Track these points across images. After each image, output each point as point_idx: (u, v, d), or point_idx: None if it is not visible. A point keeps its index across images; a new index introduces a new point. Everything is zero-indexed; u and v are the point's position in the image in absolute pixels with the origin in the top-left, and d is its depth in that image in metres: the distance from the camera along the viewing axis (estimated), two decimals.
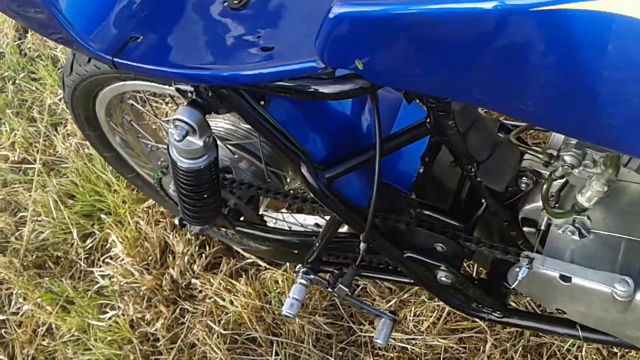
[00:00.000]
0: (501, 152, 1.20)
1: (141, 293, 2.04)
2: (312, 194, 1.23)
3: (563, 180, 1.15)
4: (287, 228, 1.82)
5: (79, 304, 2.06)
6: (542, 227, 1.22)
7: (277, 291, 1.93)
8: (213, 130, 1.27)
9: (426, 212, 1.31)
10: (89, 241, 2.20)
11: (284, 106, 1.19)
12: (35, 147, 2.45)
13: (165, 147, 1.29)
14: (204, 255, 2.04)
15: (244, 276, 1.99)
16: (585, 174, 1.06)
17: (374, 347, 1.82)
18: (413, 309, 1.84)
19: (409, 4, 0.76)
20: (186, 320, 1.98)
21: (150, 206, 2.15)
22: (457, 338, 1.79)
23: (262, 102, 1.15)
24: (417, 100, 1.12)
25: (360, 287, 1.90)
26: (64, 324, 2.06)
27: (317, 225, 1.85)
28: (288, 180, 1.65)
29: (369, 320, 1.85)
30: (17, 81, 2.66)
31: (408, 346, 1.80)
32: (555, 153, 1.08)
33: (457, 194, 1.31)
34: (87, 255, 2.18)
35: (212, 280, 2.00)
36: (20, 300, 2.15)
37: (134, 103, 1.64)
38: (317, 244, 1.44)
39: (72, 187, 2.28)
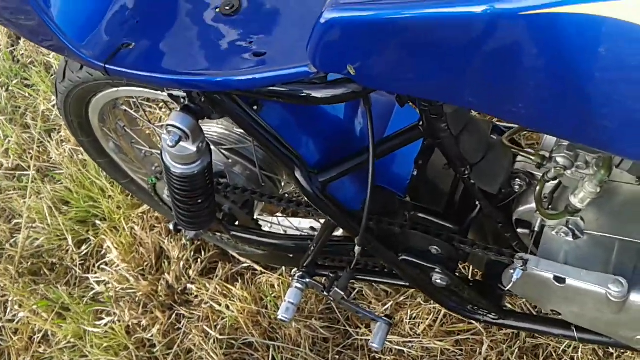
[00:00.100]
0: (494, 154, 1.20)
1: (137, 299, 2.03)
2: (306, 198, 1.23)
3: (556, 182, 1.15)
4: (282, 232, 1.82)
5: (74, 310, 2.06)
6: (536, 229, 1.22)
7: (273, 295, 1.93)
8: (207, 135, 1.27)
9: (420, 214, 1.31)
10: (84, 247, 2.19)
11: (277, 111, 1.19)
12: (29, 153, 2.45)
13: (159, 152, 1.29)
14: (199, 260, 2.04)
15: (239, 281, 1.99)
16: (578, 175, 1.06)
17: (371, 351, 1.82)
18: (409, 311, 1.84)
19: (400, 9, 0.76)
20: (182, 326, 1.98)
21: (145, 212, 2.14)
22: (453, 340, 1.80)
23: (255, 107, 1.15)
24: (410, 103, 1.12)
25: (356, 290, 1.90)
26: (59, 330, 2.05)
27: (312, 228, 1.84)
28: (282, 184, 1.65)
29: (365, 323, 1.85)
30: (10, 88, 2.65)
31: (404, 349, 1.80)
32: (547, 155, 1.09)
33: (451, 197, 1.31)
34: (83, 262, 2.18)
35: (207, 285, 2.00)
36: (16, 307, 2.14)
37: (127, 109, 1.64)
38: (312, 248, 1.44)
39: (66, 194, 2.28)
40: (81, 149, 1.91)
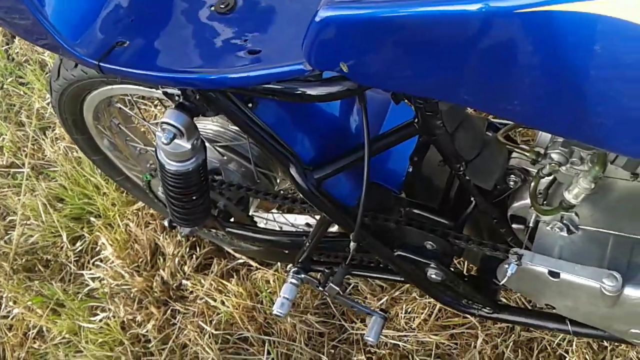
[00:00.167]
0: (489, 150, 1.20)
1: (132, 295, 2.03)
2: (301, 195, 1.23)
3: (551, 178, 1.15)
4: (277, 228, 1.82)
5: (69, 306, 2.06)
6: (531, 224, 1.22)
7: (268, 291, 1.93)
8: (202, 132, 1.27)
9: (416, 210, 1.32)
10: (78, 244, 2.19)
11: (272, 108, 1.19)
12: (24, 151, 2.44)
13: (154, 149, 1.29)
14: (194, 256, 2.04)
15: (235, 277, 1.99)
16: (573, 171, 1.07)
17: (366, 345, 1.82)
18: (404, 306, 1.85)
19: (396, 7, 0.76)
20: (177, 321, 1.98)
21: (140, 208, 2.14)
22: (448, 334, 1.80)
23: (250, 105, 1.15)
24: (406, 101, 1.13)
25: (351, 286, 1.91)
26: (54, 326, 2.05)
27: (307, 224, 1.85)
28: (278, 180, 1.65)
29: (360, 318, 1.86)
30: (5, 86, 2.64)
31: (400, 343, 1.81)
32: (542, 151, 1.09)
33: (446, 193, 1.32)
34: (77, 258, 2.18)
35: (203, 281, 2.00)
36: (11, 303, 2.14)
37: (122, 106, 1.63)
38: (308, 244, 1.45)
39: (61, 191, 2.27)
40: (76, 146, 1.90)
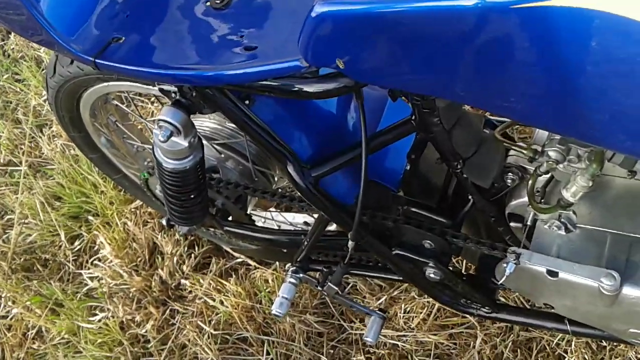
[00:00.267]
0: (487, 148, 1.20)
1: (130, 294, 2.03)
2: (299, 193, 1.22)
3: (548, 176, 1.15)
4: (275, 227, 1.81)
5: (68, 306, 2.05)
6: (529, 223, 1.22)
7: (267, 290, 1.93)
8: (199, 130, 1.26)
9: (413, 209, 1.31)
10: (76, 243, 2.18)
11: (269, 105, 1.19)
12: (21, 149, 2.43)
13: (151, 147, 1.28)
14: (193, 255, 2.04)
15: (233, 276, 1.98)
16: (570, 169, 1.06)
17: (365, 345, 1.82)
18: (403, 305, 1.84)
19: (391, 3, 0.76)
20: (176, 321, 1.98)
21: (138, 207, 2.13)
22: (447, 334, 1.80)
23: (247, 102, 1.14)
24: (403, 98, 1.12)
25: (350, 285, 1.90)
26: (53, 326, 2.05)
27: (306, 223, 1.84)
28: (276, 179, 1.65)
29: (359, 317, 1.85)
30: (1, 83, 2.64)
31: (399, 343, 1.80)
32: (539, 149, 1.08)
33: (443, 191, 1.31)
34: (76, 258, 2.17)
35: (201, 280, 1.99)
36: (9, 303, 2.13)
37: (119, 104, 1.63)
38: (306, 243, 1.44)
39: (58, 189, 2.27)
40: (73, 144, 1.90)
